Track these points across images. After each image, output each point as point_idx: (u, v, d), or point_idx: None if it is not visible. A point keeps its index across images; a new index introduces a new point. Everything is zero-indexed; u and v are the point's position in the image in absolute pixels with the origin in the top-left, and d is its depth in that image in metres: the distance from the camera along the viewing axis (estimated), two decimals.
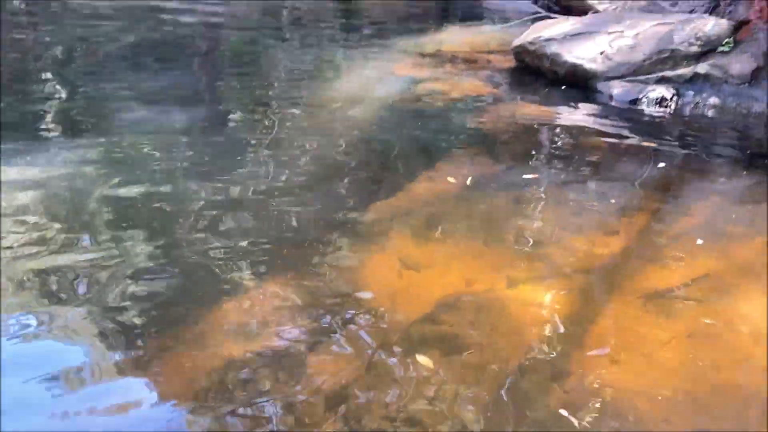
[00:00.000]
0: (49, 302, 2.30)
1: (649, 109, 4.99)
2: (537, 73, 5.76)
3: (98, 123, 4.15)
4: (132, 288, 2.40)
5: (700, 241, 2.91)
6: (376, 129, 4.37)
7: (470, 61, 6.36)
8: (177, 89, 5.05)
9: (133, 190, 3.17)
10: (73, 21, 7.84)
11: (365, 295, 2.45)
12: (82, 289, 2.40)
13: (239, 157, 3.68)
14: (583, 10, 7.44)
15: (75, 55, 6.15)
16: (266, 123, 4.37)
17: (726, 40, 5.18)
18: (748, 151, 4.26)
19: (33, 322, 2.20)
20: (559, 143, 4.21)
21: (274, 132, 4.19)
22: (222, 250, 2.69)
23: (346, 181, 3.52)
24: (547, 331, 2.30)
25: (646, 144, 4.18)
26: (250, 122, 4.35)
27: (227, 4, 9.61)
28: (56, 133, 3.93)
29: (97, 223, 2.88)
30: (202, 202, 3.12)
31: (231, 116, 4.50)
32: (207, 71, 5.92)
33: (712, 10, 5.84)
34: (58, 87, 5.03)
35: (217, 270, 2.56)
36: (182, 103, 4.68)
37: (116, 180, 3.28)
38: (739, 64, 5.10)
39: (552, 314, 2.38)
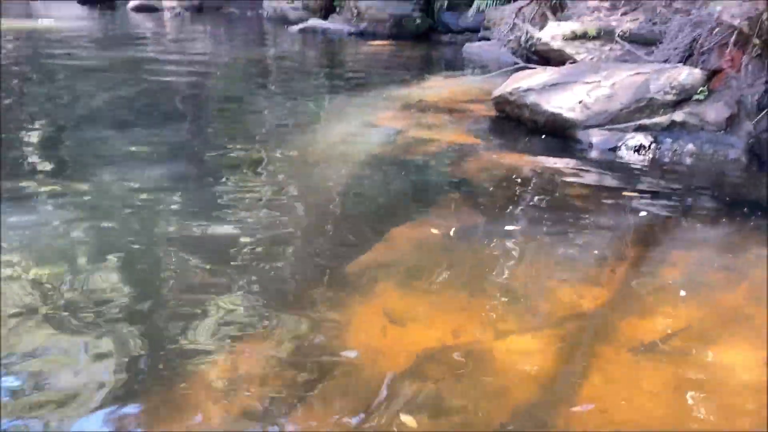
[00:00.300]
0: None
1: (629, 157, 5.07)
2: (517, 123, 5.86)
3: (83, 175, 4.15)
4: (103, 347, 2.35)
5: (683, 293, 2.91)
6: (358, 179, 4.39)
7: (452, 111, 6.46)
8: (161, 142, 5.07)
9: (111, 242, 3.14)
10: (64, 73, 7.90)
11: (349, 350, 2.41)
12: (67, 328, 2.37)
13: (221, 210, 3.67)
14: (560, 61, 7.65)
15: (64, 108, 6.17)
16: (249, 175, 4.37)
17: (700, 89, 5.31)
18: (727, 198, 4.31)
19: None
20: (541, 192, 4.24)
21: (256, 183, 4.19)
22: (201, 306, 2.65)
23: (328, 232, 3.51)
24: (534, 384, 2.27)
25: (626, 192, 4.22)
26: (233, 174, 4.34)
27: (213, 55, 9.74)
28: (43, 184, 3.94)
29: (78, 270, 2.86)
30: (182, 255, 3.09)
31: (214, 169, 4.50)
32: (192, 123, 5.95)
33: (686, 60, 6.01)
34: (45, 139, 5.03)
35: (195, 326, 2.51)
36: (165, 156, 4.69)
37: (99, 230, 3.28)
38: (714, 111, 5.23)
39: (539, 367, 2.36)
